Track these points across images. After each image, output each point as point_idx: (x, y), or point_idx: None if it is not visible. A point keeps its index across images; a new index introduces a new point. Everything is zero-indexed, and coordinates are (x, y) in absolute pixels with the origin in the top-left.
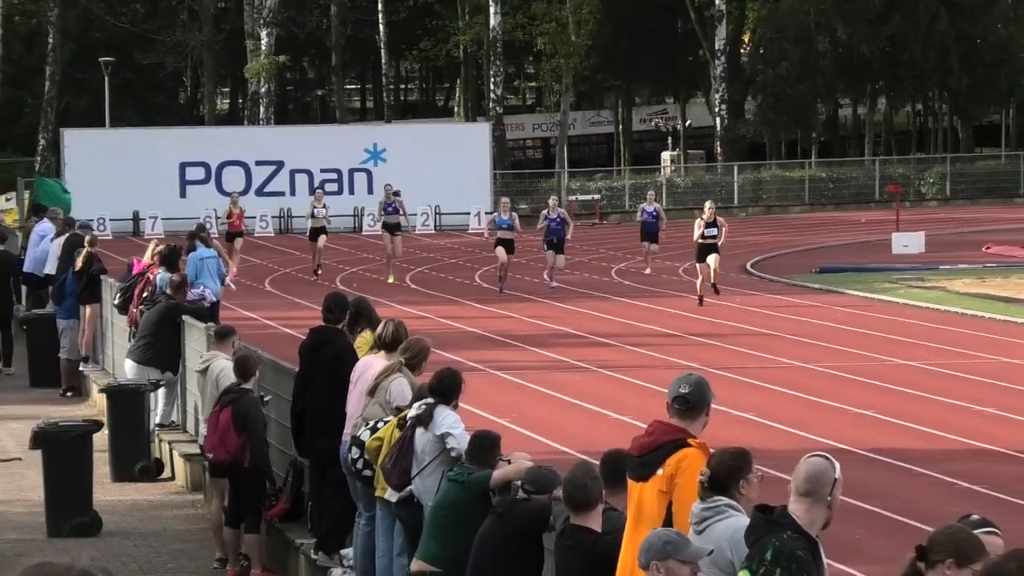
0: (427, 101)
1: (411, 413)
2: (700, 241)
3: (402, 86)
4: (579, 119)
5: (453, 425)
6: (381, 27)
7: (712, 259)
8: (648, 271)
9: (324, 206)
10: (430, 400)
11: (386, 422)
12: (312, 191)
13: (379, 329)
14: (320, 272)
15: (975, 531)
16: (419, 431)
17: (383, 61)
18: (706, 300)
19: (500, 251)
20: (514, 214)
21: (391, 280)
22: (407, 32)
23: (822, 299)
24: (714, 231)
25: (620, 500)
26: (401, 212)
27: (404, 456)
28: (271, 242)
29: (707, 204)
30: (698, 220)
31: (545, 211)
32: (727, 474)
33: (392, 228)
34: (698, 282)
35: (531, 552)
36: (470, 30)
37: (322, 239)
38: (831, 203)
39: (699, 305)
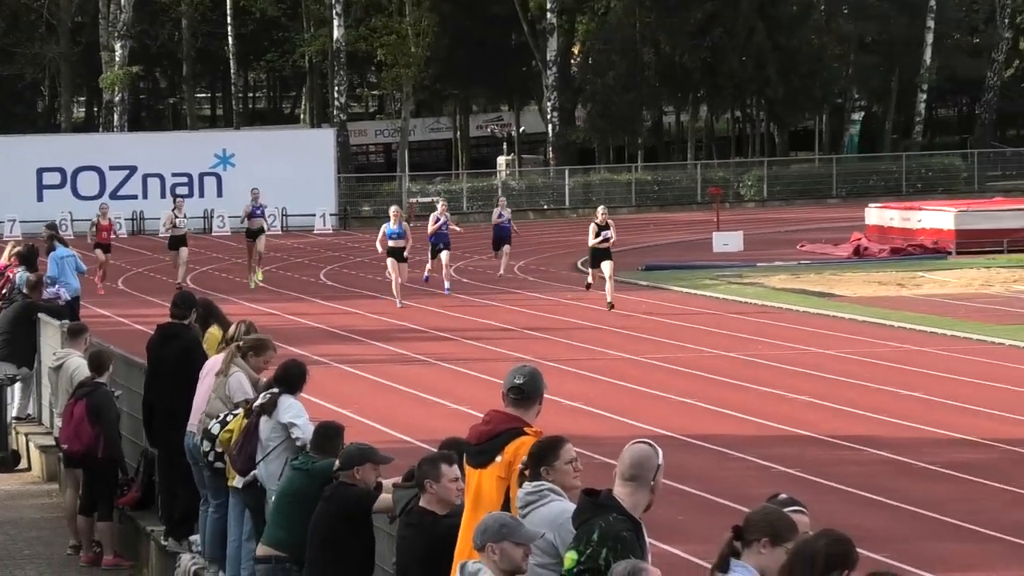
0: (274, 108)
1: (257, 402)
2: (596, 246)
3: (250, 94)
4: (419, 125)
5: (297, 414)
6: (230, 39)
7: (607, 267)
8: (501, 273)
9: (185, 215)
10: (275, 390)
11: (234, 415)
12: (164, 195)
13: (231, 330)
14: (183, 286)
15: (788, 507)
16: (263, 419)
17: (232, 71)
18: (581, 294)
19: (391, 262)
20: (404, 223)
21: (257, 281)
22: (255, 43)
23: (648, 295)
24: (608, 233)
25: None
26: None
27: (249, 443)
28: (124, 243)
29: (600, 209)
30: (592, 225)
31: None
32: (536, 461)
33: (256, 233)
34: (590, 276)
35: (360, 533)
36: (315, 42)
37: (184, 251)
38: (656, 204)
39: (590, 297)
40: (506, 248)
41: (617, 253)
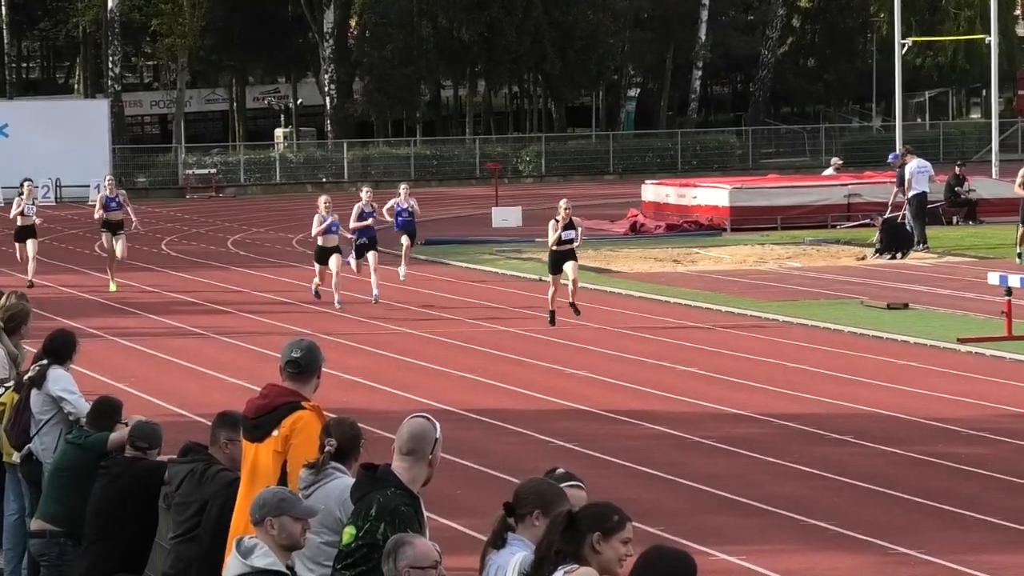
0: (48, 79)
1: (26, 375)
2: (555, 248)
3: (24, 64)
4: (195, 96)
5: (67, 387)
6: (2, 7)
7: (570, 267)
8: (403, 274)
9: (34, 202)
10: (43, 361)
11: (6, 387)
12: None
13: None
14: (33, 284)
15: (561, 484)
16: (34, 392)
17: (4, 40)
18: (559, 318)
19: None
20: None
21: (114, 288)
22: (28, 12)
23: (428, 269)
24: (572, 234)
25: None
26: (127, 208)
27: (21, 417)
28: None
29: (562, 203)
30: (552, 222)
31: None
32: (351, 442)
33: (116, 227)
34: (550, 293)
35: (145, 513)
36: (89, 11)
37: (32, 244)
38: (435, 179)
39: (551, 324)
40: (405, 240)
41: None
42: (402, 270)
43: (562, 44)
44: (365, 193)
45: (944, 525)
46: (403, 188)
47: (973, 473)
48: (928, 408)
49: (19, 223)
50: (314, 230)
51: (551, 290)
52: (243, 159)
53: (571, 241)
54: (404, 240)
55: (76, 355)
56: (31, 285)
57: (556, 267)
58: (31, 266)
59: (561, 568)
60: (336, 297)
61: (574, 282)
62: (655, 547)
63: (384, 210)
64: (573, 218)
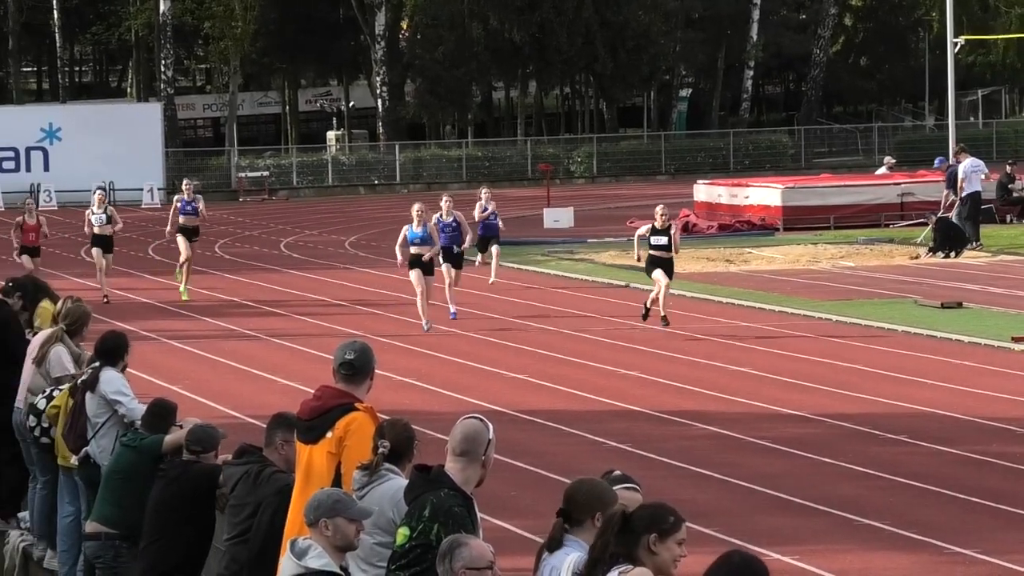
0: (101, 82)
1: (80, 378)
2: (651, 253)
3: (77, 68)
4: (247, 100)
5: (120, 389)
6: (55, 12)
7: (662, 277)
8: (493, 279)
9: (106, 210)
10: (96, 363)
11: (60, 390)
12: None
13: (58, 305)
14: (108, 299)
15: (616, 487)
16: (88, 395)
17: (58, 44)
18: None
19: (415, 275)
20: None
21: (186, 295)
22: (80, 16)
23: (478, 271)
24: (664, 240)
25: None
26: (202, 213)
27: (77, 420)
28: None
29: (658, 209)
30: (647, 227)
31: (437, 215)
32: (405, 443)
33: (191, 232)
34: (650, 296)
35: (202, 516)
36: (141, 15)
37: (98, 254)
38: (487, 180)
39: (643, 319)
40: (495, 248)
41: None
42: (492, 279)
43: (613, 44)
44: (445, 201)
45: (1000, 525)
46: (484, 192)
47: None
48: (983, 407)
49: (95, 231)
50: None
51: (661, 293)
52: (295, 162)
53: (665, 248)
54: (494, 249)
55: (128, 356)
56: (106, 300)
57: (650, 271)
58: (102, 279)
59: (615, 569)
60: (451, 309)
61: (664, 298)
62: (735, 551)
63: (477, 216)
64: (672, 223)
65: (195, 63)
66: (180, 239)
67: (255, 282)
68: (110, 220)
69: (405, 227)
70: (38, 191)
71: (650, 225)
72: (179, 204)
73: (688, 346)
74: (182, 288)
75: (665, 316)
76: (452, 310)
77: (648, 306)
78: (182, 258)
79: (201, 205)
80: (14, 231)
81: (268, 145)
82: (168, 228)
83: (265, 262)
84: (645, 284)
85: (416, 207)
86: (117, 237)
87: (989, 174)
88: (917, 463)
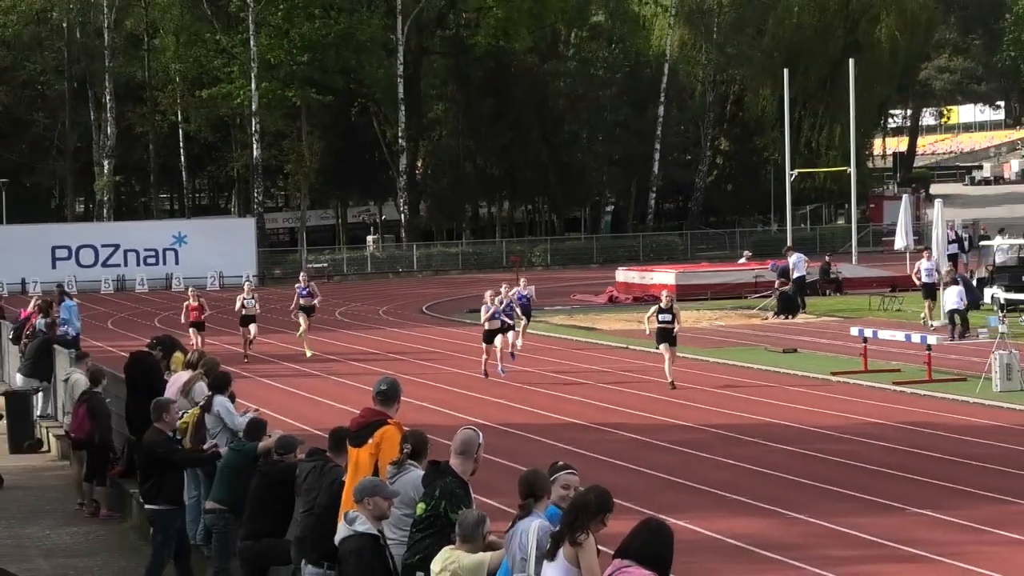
0: (213, 204)
1: (200, 404)
2: (658, 326)
3: (197, 194)
4: (313, 215)
5: (227, 408)
6: (183, 157)
7: (666, 351)
8: (519, 345)
9: (253, 296)
10: (208, 393)
11: (188, 412)
12: (139, 263)
13: (188, 356)
14: (247, 359)
15: (561, 472)
16: (206, 414)
17: (184, 179)
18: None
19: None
20: (531, 288)
21: (309, 353)
22: (199, 159)
23: (471, 330)
24: (668, 317)
25: (342, 459)
26: (315, 296)
27: (199, 431)
28: (111, 297)
29: (664, 294)
30: (654, 307)
31: (517, 288)
32: (421, 446)
33: (308, 310)
34: (665, 367)
35: (285, 497)
36: (241, 158)
37: (253, 327)
38: (476, 268)
39: (672, 389)
40: (522, 324)
41: (450, 301)
42: (519, 342)
43: (561, 177)
44: (503, 288)
45: (823, 498)
46: (523, 280)
47: (842, 463)
48: (811, 420)
49: (243, 312)
50: (482, 318)
51: (667, 363)
52: (345, 257)
53: (668, 323)
54: (523, 321)
55: (230, 387)
56: (246, 359)
57: (659, 341)
58: (249, 346)
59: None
60: (499, 367)
61: (671, 367)
62: (650, 517)
63: (512, 297)
64: (673, 305)
65: (277, 191)
66: (301, 315)
67: (319, 338)
68: (256, 304)
69: (483, 306)
70: (171, 278)
71: (657, 306)
72: (298, 289)
73: (612, 378)
74: (307, 350)
75: (672, 382)
76: (502, 366)
77: (671, 379)
78: (301, 329)
79: (315, 290)
80: (184, 313)
81: (327, 245)
82: (292, 307)
83: (326, 325)
84: (583, 337)
85: (489, 293)
86: (224, 308)
87: (810, 262)
88: (767, 457)
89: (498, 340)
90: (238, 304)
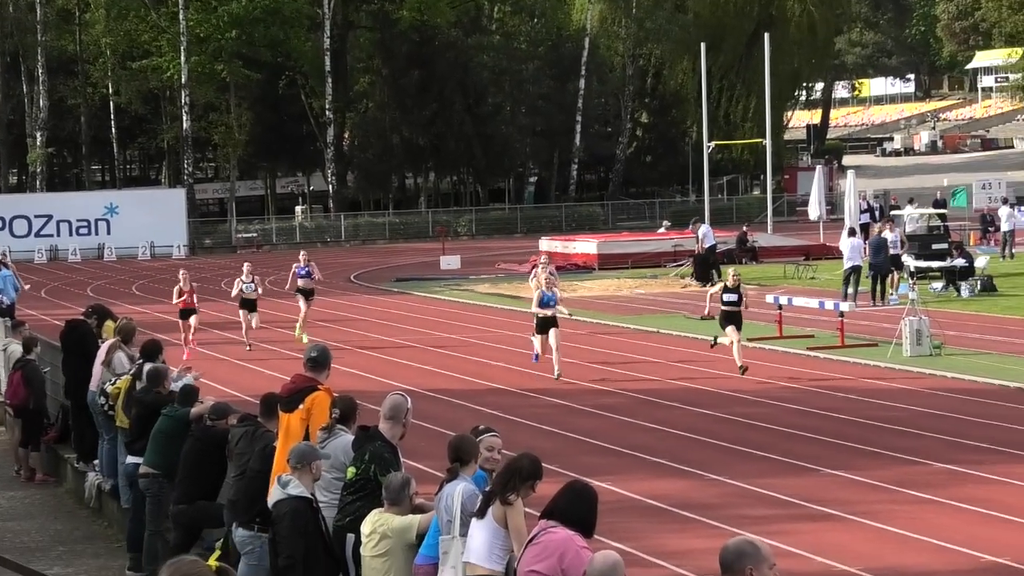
0: (143, 175)
1: (131, 371)
2: (723, 307)
3: (128, 166)
4: (242, 186)
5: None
6: (114, 129)
7: (733, 333)
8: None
9: (253, 279)
10: (139, 360)
11: (119, 378)
12: (72, 233)
13: (117, 323)
14: (250, 348)
15: (485, 435)
16: (137, 382)
17: (115, 150)
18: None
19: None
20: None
21: (305, 339)
22: (130, 131)
23: (398, 298)
24: (734, 297)
25: (273, 425)
26: (315, 276)
27: (129, 399)
28: (45, 267)
29: (730, 270)
30: (720, 284)
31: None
32: (351, 411)
33: (308, 293)
34: (734, 349)
35: (217, 461)
36: (171, 131)
37: (255, 317)
38: (402, 238)
39: (742, 374)
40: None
41: (378, 270)
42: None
43: (485, 148)
44: (545, 274)
45: (740, 460)
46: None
47: (758, 426)
48: (728, 384)
49: (241, 297)
50: (534, 306)
51: (734, 346)
52: (274, 227)
53: (735, 303)
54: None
55: (161, 356)
56: (249, 348)
57: (725, 324)
58: (250, 332)
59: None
60: (535, 355)
61: (737, 341)
62: (575, 479)
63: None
64: (741, 285)
65: (207, 162)
66: (300, 298)
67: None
68: (256, 287)
69: (537, 291)
70: (103, 248)
71: (722, 284)
72: (296, 269)
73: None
74: (301, 335)
75: (743, 365)
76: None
77: (742, 364)
78: (302, 314)
79: (315, 270)
80: (176, 295)
81: (256, 215)
82: (288, 286)
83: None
84: (507, 305)
85: (534, 282)
86: (155, 277)
87: (715, 233)
88: (686, 421)
89: (553, 332)
90: (235, 289)
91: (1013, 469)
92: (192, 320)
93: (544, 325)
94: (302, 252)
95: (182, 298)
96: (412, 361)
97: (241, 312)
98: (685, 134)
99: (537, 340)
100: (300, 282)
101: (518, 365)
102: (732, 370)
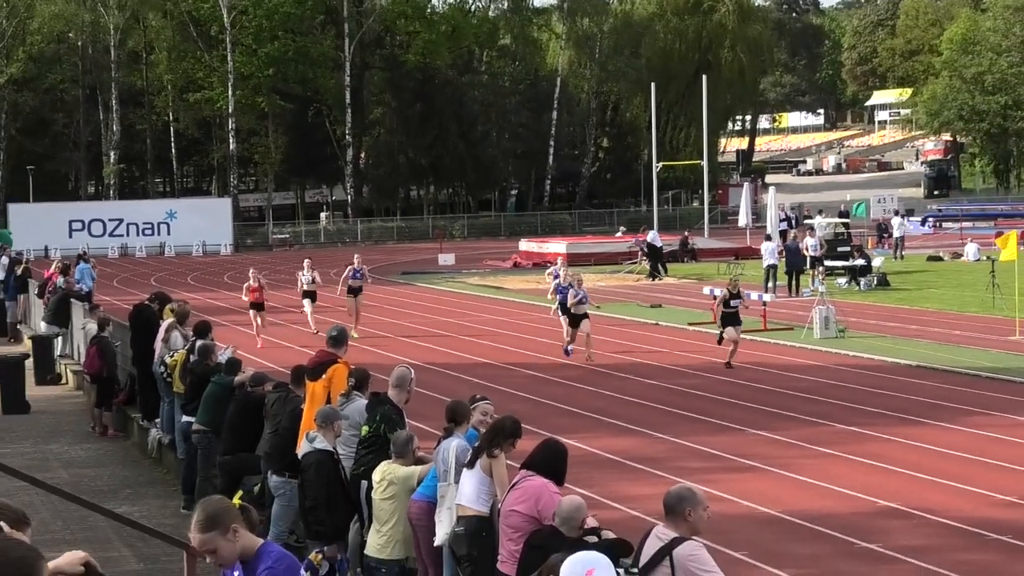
0: (198, 186)
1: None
2: (724, 310)
3: (185, 179)
4: (277, 196)
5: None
6: (173, 149)
7: (732, 333)
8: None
9: (313, 276)
10: (193, 338)
11: (177, 351)
12: (139, 234)
13: (173, 306)
14: (317, 332)
15: (480, 402)
16: (191, 356)
17: (174, 166)
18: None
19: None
20: (580, 283)
21: (355, 336)
22: (187, 151)
23: (405, 288)
24: (738, 302)
25: (301, 391)
26: (367, 280)
27: (187, 368)
28: (116, 261)
29: (733, 275)
30: (722, 290)
31: (555, 270)
32: (365, 379)
33: (357, 291)
34: (731, 348)
35: (256, 420)
36: (219, 151)
37: (309, 304)
38: (408, 240)
39: (728, 368)
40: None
41: (388, 265)
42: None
43: (475, 166)
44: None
45: (680, 421)
46: (564, 271)
47: (695, 394)
48: (672, 360)
49: (304, 288)
50: (569, 301)
51: (732, 346)
52: (304, 230)
53: (735, 307)
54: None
55: (211, 334)
56: (317, 332)
57: (724, 324)
58: (312, 319)
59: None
60: (568, 347)
61: (735, 342)
62: (550, 438)
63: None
64: (741, 290)
65: (249, 176)
66: (348, 297)
67: (284, 294)
68: (314, 280)
69: (571, 290)
70: (164, 247)
71: (725, 292)
72: (350, 272)
73: (516, 328)
74: (352, 332)
75: (730, 363)
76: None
77: (730, 360)
78: (354, 311)
79: (367, 275)
80: (245, 291)
81: (288, 220)
82: (340, 287)
83: (289, 283)
84: (493, 295)
85: (573, 280)
86: (206, 271)
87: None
88: (637, 390)
89: (584, 324)
90: (299, 283)
91: (903, 430)
92: (260, 316)
93: (577, 319)
94: (356, 255)
95: (252, 292)
96: (418, 339)
97: (304, 301)
98: (638, 156)
99: (569, 333)
100: (351, 283)
101: (502, 344)
102: (676, 348)
